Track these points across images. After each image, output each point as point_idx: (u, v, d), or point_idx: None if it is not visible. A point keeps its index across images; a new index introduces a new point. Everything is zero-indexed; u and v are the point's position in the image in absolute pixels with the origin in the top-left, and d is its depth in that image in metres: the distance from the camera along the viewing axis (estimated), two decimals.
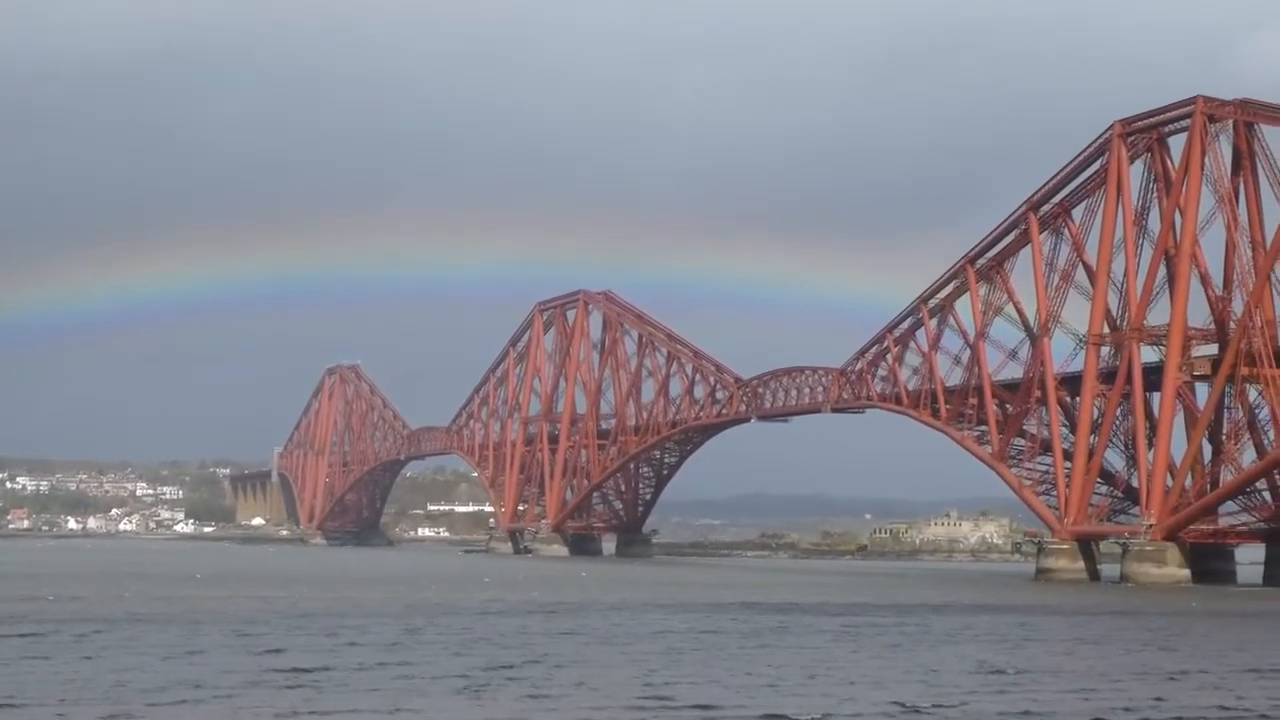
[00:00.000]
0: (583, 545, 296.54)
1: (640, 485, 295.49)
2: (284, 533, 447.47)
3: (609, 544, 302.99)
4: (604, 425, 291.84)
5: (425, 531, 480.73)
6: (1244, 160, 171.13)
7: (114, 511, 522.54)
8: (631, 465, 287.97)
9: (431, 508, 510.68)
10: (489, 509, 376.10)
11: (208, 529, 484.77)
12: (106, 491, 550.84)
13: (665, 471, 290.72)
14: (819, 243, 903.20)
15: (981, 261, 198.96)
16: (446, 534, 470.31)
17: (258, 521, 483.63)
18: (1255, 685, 58.86)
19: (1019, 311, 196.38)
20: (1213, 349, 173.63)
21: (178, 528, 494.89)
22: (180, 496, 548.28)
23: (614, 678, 58.04)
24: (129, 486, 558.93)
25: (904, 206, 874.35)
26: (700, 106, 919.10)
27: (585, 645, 73.24)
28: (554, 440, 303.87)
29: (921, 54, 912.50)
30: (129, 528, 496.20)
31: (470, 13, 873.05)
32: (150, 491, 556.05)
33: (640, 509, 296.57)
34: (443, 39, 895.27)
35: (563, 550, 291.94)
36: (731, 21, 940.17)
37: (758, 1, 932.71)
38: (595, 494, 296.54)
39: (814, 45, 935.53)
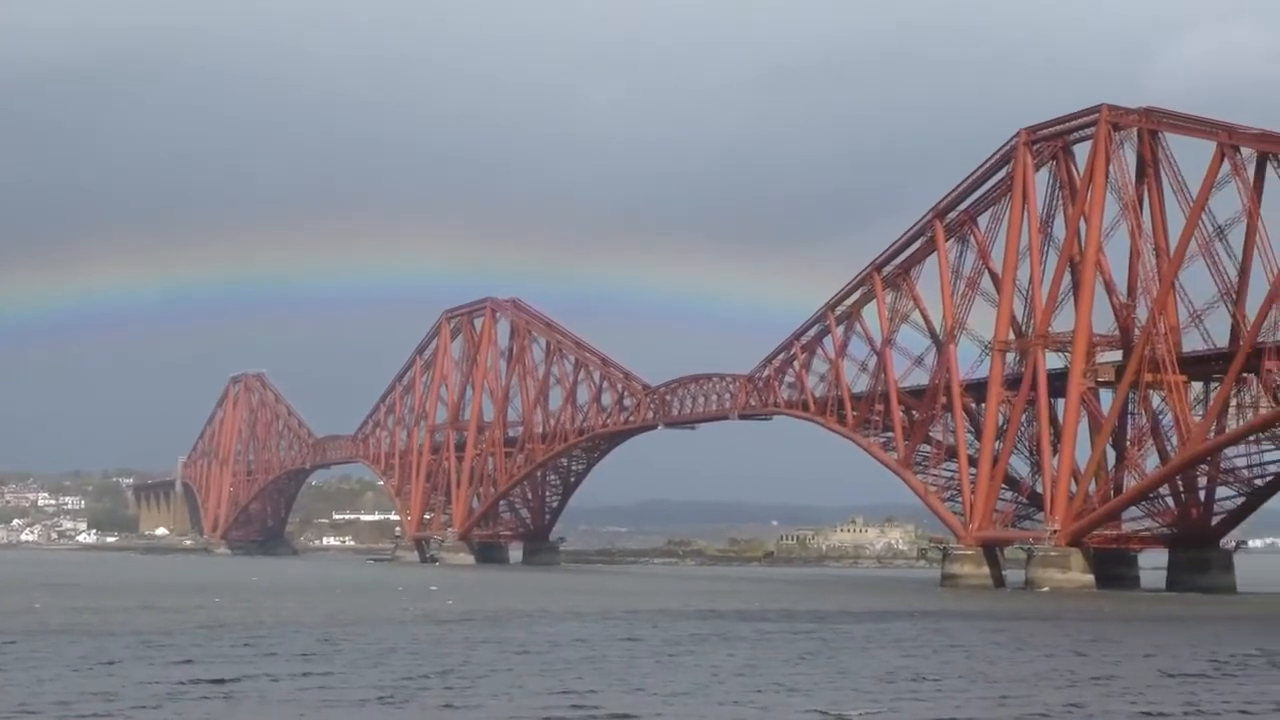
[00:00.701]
0: (489, 553, 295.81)
1: (547, 493, 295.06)
2: (188, 542, 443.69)
3: (516, 552, 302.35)
4: (511, 433, 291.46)
5: (330, 540, 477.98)
6: (1148, 168, 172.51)
7: (15, 522, 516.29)
8: (538, 473, 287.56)
9: (337, 516, 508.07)
10: (395, 518, 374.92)
11: (111, 539, 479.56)
12: (8, 502, 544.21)
13: (572, 479, 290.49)
14: (731, 251, 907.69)
15: (888, 269, 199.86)
16: (352, 543, 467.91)
17: (161, 531, 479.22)
18: (1171, 691, 59.39)
19: (925, 318, 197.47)
20: (1117, 355, 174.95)
21: (80, 538, 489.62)
22: (83, 507, 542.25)
23: (534, 686, 57.88)
24: (30, 497, 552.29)
25: (816, 215, 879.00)
26: (616, 116, 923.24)
27: (503, 654, 73.02)
28: (460, 448, 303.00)
29: (837, 64, 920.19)
30: (30, 538, 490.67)
31: (394, 21, 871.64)
32: (52, 502, 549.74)
33: (547, 517, 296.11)
34: (365, 47, 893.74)
35: (469, 559, 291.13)
36: (650, 33, 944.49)
37: (676, 13, 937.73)
38: (502, 502, 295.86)
39: (730, 56, 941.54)
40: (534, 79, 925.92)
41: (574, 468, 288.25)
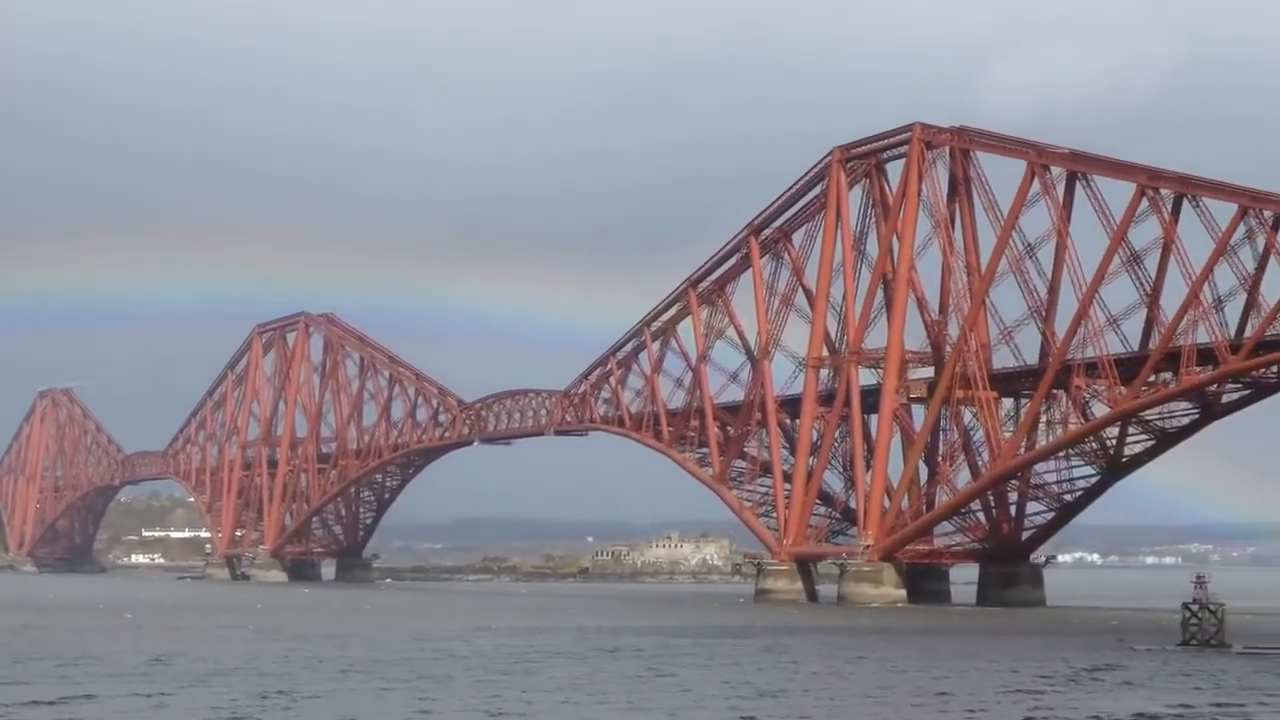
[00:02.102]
0: (301, 571, 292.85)
1: (361, 509, 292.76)
2: None
3: (329, 569, 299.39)
4: (324, 449, 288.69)
5: (140, 558, 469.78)
6: (960, 186, 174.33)
7: None
8: (352, 489, 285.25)
9: (146, 534, 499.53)
10: (206, 535, 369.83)
11: None
12: None
13: (386, 495, 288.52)
14: (555, 269, 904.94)
15: (704, 285, 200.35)
16: (162, 560, 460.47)
17: None
18: (1016, 705, 59.88)
19: (740, 335, 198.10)
20: (929, 372, 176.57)
21: None
22: None
23: (372, 707, 57.17)
24: None
25: (642, 234, 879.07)
26: (440, 135, 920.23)
27: (340, 673, 71.98)
28: (273, 464, 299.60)
29: (660, 87, 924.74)
30: None
31: (216, 39, 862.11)
32: None
33: (361, 533, 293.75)
34: (195, 62, 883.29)
35: (281, 576, 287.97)
36: (475, 54, 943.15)
37: (501, 35, 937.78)
38: (315, 518, 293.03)
39: (554, 79, 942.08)
40: (366, 98, 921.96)
41: (388, 484, 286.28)
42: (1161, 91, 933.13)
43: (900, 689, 66.26)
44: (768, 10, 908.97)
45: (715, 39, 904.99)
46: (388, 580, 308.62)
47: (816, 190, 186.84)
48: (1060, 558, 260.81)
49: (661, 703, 59.52)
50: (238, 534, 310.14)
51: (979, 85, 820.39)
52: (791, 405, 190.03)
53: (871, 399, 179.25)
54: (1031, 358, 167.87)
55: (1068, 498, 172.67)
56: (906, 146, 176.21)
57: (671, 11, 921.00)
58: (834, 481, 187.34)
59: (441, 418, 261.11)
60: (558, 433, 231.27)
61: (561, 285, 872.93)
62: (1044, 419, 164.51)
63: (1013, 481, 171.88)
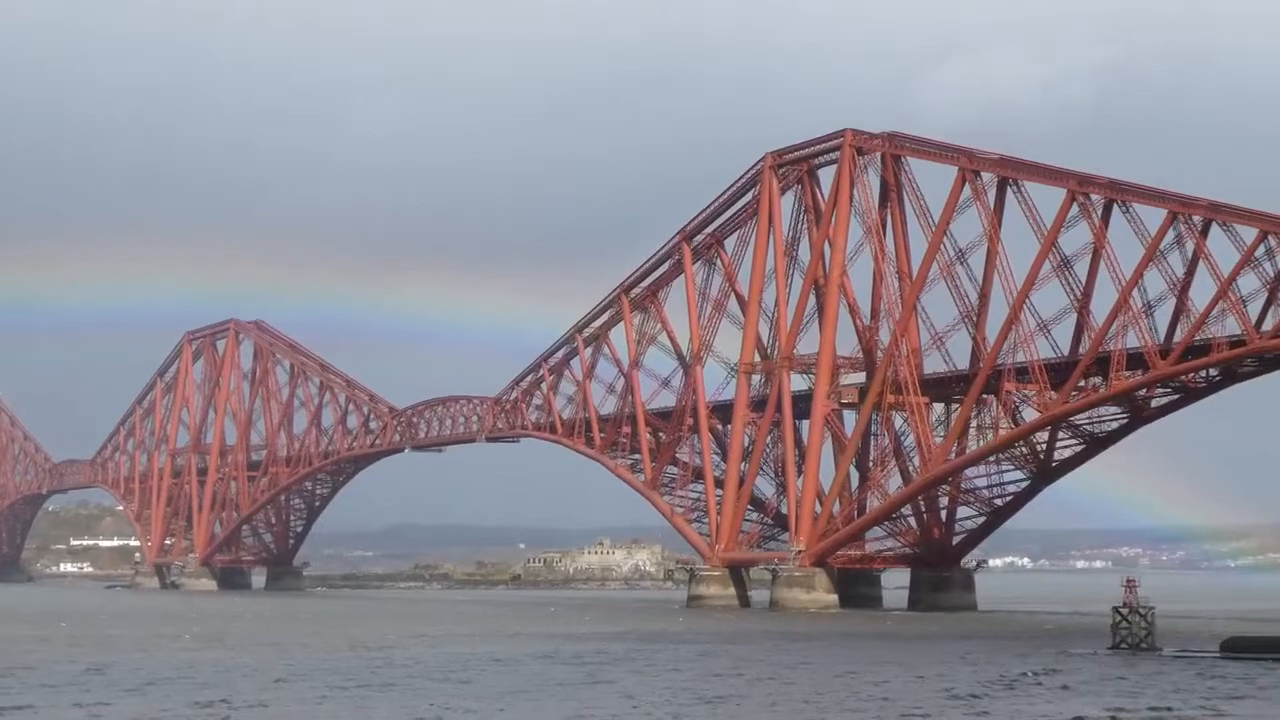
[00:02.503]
0: (231, 579, 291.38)
1: (291, 517, 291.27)
2: None
3: (259, 577, 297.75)
4: (255, 456, 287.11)
5: (68, 567, 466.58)
6: (892, 192, 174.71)
7: None
8: (282, 497, 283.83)
9: (75, 543, 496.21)
10: (135, 543, 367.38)
11: None
12: None
13: (317, 503, 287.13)
14: (490, 276, 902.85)
15: (636, 291, 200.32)
16: (90, 569, 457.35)
17: None
18: (955, 711, 60.07)
19: (672, 340, 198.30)
20: (860, 377, 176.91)
21: None
22: None
23: (310, 714, 56.72)
24: None
25: (580, 241, 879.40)
26: (378, 140, 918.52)
27: (276, 683, 71.50)
28: (203, 472, 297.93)
29: (599, 95, 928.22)
30: None
31: (150, 42, 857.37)
32: None
33: (291, 541, 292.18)
34: (129, 72, 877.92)
35: (211, 584, 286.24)
36: (411, 61, 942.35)
37: (436, 42, 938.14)
38: (245, 526, 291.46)
39: (491, 87, 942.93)
40: (303, 102, 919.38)
41: (319, 491, 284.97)
42: (1097, 98, 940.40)
43: (840, 693, 66.24)
44: (707, 20, 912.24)
45: (655, 49, 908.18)
46: (321, 588, 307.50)
47: (748, 197, 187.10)
48: (991, 562, 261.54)
49: (603, 709, 59.28)
50: (167, 542, 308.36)
51: (918, 93, 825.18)
52: (723, 411, 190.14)
53: (803, 404, 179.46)
54: (962, 363, 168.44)
55: (998, 502, 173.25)
56: (838, 153, 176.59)
57: (612, 21, 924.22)
58: (766, 487, 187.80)
59: (373, 425, 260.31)
60: (489, 439, 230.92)
61: (498, 292, 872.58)
62: (975, 424, 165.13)
63: (944, 486, 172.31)
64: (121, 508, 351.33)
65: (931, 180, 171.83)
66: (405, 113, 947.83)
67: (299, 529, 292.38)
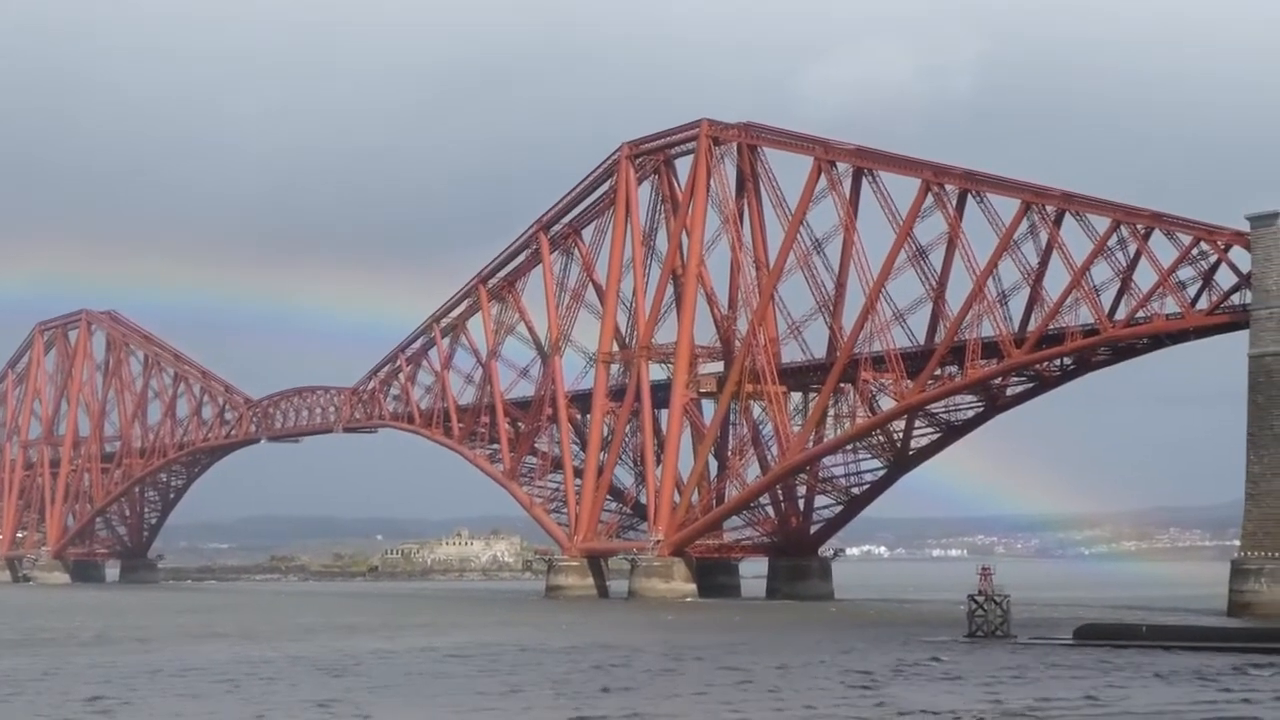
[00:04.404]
0: (85, 572, 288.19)
1: (146, 509, 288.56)
2: None
3: (113, 570, 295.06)
4: (109, 448, 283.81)
5: None
6: (748, 182, 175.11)
7: None
8: (137, 489, 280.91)
9: None
10: None
11: None
12: None
13: (172, 495, 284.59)
14: (356, 266, 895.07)
15: (494, 281, 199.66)
16: None
17: None
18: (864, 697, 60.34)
19: (530, 330, 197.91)
20: (718, 367, 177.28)
21: None
22: None
23: (195, 709, 56.00)
24: None
25: (441, 231, 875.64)
26: (249, 126, 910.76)
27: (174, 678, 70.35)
28: (55, 464, 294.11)
29: (474, 84, 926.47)
30: None
31: (18, 27, 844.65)
32: None
33: (145, 534, 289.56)
34: None
35: (64, 578, 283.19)
36: (294, 47, 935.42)
37: (317, 27, 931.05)
38: (99, 519, 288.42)
39: (374, 74, 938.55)
40: (172, 91, 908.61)
41: (174, 483, 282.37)
42: (975, 91, 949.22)
43: (726, 685, 65.72)
44: (585, 11, 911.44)
45: (530, 38, 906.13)
46: (189, 580, 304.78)
47: (605, 186, 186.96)
48: (849, 551, 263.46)
49: (496, 704, 58.77)
50: (19, 535, 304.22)
51: (797, 86, 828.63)
52: (582, 401, 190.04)
53: (662, 394, 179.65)
54: (820, 352, 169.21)
55: (855, 491, 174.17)
56: (694, 143, 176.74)
57: (489, 10, 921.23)
58: (625, 477, 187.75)
59: (228, 415, 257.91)
60: (346, 429, 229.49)
61: (364, 283, 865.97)
62: (832, 413, 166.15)
63: (801, 475, 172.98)
64: None
65: (788, 171, 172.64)
66: (280, 97, 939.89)
67: (153, 521, 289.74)
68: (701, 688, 65.30)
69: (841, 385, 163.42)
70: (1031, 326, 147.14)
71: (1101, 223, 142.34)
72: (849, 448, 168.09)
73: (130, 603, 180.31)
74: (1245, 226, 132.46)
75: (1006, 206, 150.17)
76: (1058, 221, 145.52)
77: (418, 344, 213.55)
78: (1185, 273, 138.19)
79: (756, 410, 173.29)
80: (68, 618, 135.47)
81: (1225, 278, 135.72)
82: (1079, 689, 62.31)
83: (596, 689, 63.86)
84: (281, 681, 67.59)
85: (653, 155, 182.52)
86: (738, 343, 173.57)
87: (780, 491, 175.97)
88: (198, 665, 76.99)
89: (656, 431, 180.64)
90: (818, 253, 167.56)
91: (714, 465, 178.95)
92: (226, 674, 71.74)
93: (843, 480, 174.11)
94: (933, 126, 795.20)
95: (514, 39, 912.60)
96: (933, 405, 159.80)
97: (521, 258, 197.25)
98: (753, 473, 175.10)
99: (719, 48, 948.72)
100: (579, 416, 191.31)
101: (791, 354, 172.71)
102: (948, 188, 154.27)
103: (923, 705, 56.65)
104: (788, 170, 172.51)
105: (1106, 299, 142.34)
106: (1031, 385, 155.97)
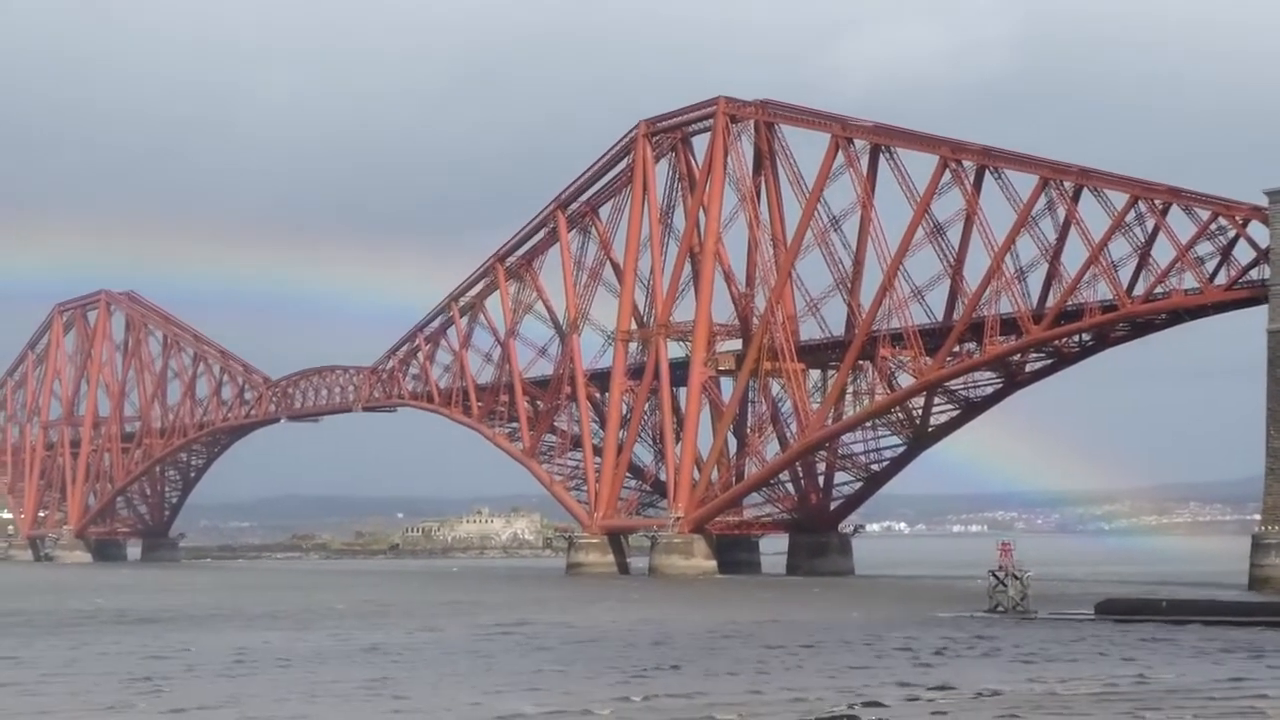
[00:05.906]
0: (106, 551, 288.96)
1: (166, 489, 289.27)
2: None
3: (134, 549, 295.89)
4: (129, 428, 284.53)
5: None
6: (765, 160, 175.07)
7: None
8: (157, 469, 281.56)
9: None
10: (8, 516, 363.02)
11: None
12: None
13: (192, 474, 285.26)
14: (380, 248, 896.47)
15: (511, 260, 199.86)
16: None
17: None
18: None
19: (548, 309, 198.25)
20: (737, 344, 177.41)
21: None
22: None
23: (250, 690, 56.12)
24: None
25: (462, 212, 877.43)
26: (273, 111, 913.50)
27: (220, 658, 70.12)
28: (76, 444, 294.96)
29: (495, 67, 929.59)
30: None
31: (56, 10, 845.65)
32: None
33: (167, 513, 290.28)
34: (20, 34, 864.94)
35: (86, 557, 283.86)
36: (314, 31, 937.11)
37: (342, 13, 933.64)
38: (120, 498, 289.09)
39: (392, 58, 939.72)
40: (198, 71, 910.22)
41: (194, 463, 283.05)
42: (1004, 70, 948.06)
43: (776, 667, 65.00)
44: None
45: (552, 21, 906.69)
46: (197, 559, 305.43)
47: (623, 164, 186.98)
48: (868, 527, 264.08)
49: (552, 683, 58.22)
50: (41, 515, 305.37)
51: (824, 64, 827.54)
52: (601, 379, 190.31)
53: (680, 372, 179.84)
54: (838, 329, 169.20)
55: (875, 468, 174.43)
56: (711, 120, 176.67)
57: None
58: (644, 454, 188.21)
59: (247, 395, 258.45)
60: (365, 408, 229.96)
61: (386, 265, 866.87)
62: (851, 390, 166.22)
63: (821, 452, 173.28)
64: None
65: (805, 148, 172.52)
66: (304, 82, 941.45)
67: (174, 500, 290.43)
68: (753, 661, 65.40)
69: (860, 362, 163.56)
70: (1050, 303, 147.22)
71: (1119, 198, 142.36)
72: (868, 425, 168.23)
73: (161, 579, 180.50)
74: (1263, 201, 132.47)
75: (1024, 183, 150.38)
76: (1075, 197, 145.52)
77: (436, 323, 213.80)
78: (1203, 248, 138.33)
79: (775, 387, 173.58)
80: (113, 596, 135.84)
81: (1244, 253, 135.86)
82: (1130, 669, 61.76)
83: (649, 667, 63.40)
84: (330, 663, 66.96)
85: (670, 133, 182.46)
86: (756, 320, 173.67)
87: (800, 468, 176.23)
88: (243, 644, 76.95)
89: (675, 409, 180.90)
90: (835, 230, 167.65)
91: (733, 443, 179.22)
92: (274, 654, 71.69)
93: (862, 457, 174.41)
94: (958, 105, 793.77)
95: (540, 21, 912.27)
96: (952, 382, 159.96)
97: (539, 236, 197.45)
98: (772, 450, 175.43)
99: (747, 24, 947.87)
100: (598, 395, 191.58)
101: (810, 331, 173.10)
102: (965, 164, 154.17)
103: (985, 683, 55.78)
104: (805, 147, 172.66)
105: (1125, 275, 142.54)
106: (1050, 361, 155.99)
